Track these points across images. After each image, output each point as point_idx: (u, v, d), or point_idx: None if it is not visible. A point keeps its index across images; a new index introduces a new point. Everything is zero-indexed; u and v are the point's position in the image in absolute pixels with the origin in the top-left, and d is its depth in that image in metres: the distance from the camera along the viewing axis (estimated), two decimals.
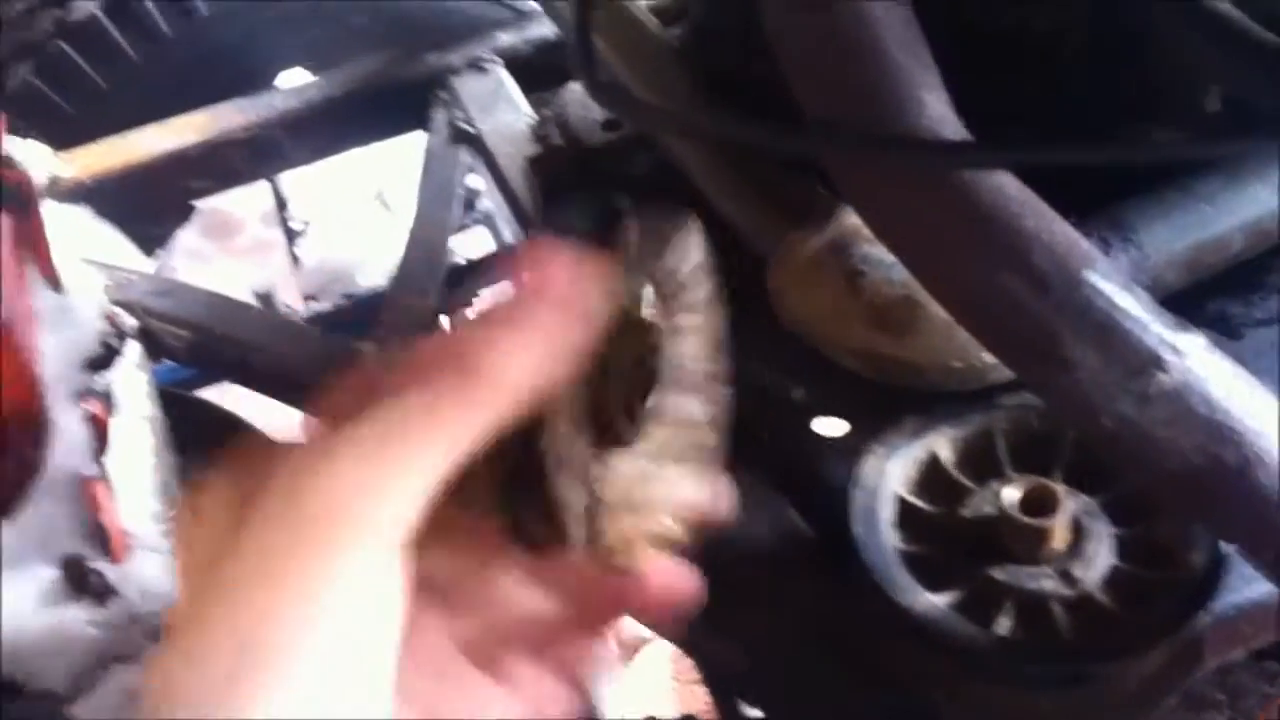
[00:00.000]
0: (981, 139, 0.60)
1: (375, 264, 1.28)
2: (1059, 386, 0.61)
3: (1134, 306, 0.60)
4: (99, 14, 1.46)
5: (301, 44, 1.49)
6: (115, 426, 0.89)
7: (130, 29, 1.47)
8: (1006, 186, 0.61)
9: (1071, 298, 0.60)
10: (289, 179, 1.45)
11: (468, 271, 1.23)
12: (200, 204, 1.52)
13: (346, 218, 1.36)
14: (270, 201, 1.71)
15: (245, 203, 1.72)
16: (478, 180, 1.36)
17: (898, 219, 0.63)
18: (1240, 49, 0.59)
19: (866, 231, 0.78)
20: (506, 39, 1.27)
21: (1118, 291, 0.60)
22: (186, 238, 1.52)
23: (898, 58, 0.61)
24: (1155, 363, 0.59)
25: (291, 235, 1.36)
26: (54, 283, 0.82)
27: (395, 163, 1.39)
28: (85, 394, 0.84)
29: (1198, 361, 0.60)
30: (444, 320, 1.28)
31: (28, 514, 0.84)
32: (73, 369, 0.83)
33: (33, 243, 0.79)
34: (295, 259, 1.33)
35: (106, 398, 0.87)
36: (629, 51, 0.93)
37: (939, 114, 0.61)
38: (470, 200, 1.44)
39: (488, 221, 1.46)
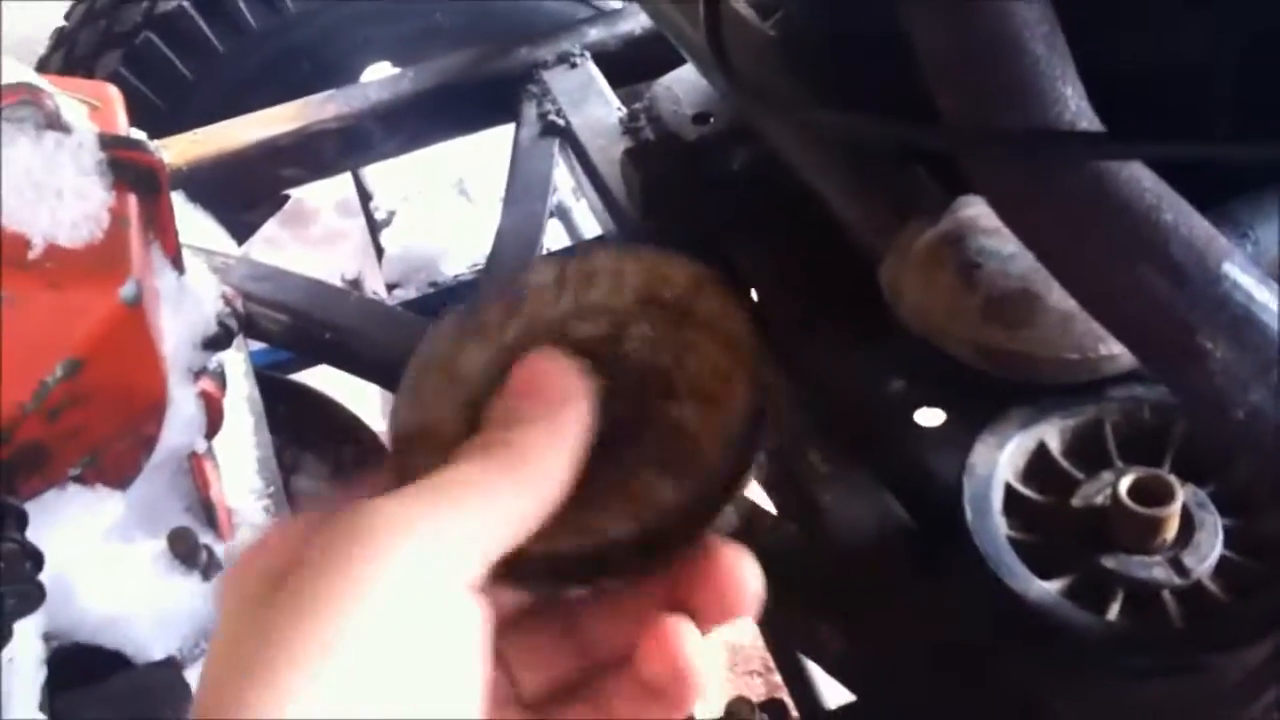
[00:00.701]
0: (1120, 132, 0.61)
1: (459, 253, 1.29)
2: (1193, 378, 0.62)
3: (1270, 300, 0.61)
4: (187, 5, 1.49)
5: (386, 40, 1.51)
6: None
7: (217, 22, 1.49)
8: (1143, 179, 0.61)
9: (1209, 290, 0.60)
10: (372, 170, 1.47)
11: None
12: None
13: (429, 208, 1.38)
14: (344, 191, 1.73)
15: (320, 192, 1.74)
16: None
17: (1036, 212, 0.63)
18: None
19: (982, 223, 0.79)
20: (595, 34, 1.28)
21: (1255, 285, 0.61)
22: (263, 225, 1.53)
23: (1038, 52, 0.61)
24: None
25: (375, 225, 1.37)
26: (177, 264, 0.83)
27: (476, 154, 1.41)
28: (200, 373, 0.86)
29: None
30: None
31: (141, 488, 0.85)
32: (191, 348, 0.85)
33: (160, 225, 0.81)
34: (379, 248, 1.35)
35: (219, 377, 0.88)
36: (731, 45, 0.94)
37: (1078, 107, 0.62)
38: (559, 213, 1.45)
39: (562, 215, 1.47)
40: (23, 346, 0.71)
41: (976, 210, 0.79)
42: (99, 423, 0.76)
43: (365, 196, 1.42)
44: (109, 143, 0.78)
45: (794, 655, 0.95)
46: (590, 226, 1.36)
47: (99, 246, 0.74)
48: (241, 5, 1.48)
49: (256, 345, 1.11)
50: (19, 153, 0.74)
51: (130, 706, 0.75)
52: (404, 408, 0.49)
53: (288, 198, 1.39)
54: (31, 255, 0.72)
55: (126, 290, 0.74)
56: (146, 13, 1.49)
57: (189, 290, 0.84)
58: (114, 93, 0.86)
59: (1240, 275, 0.61)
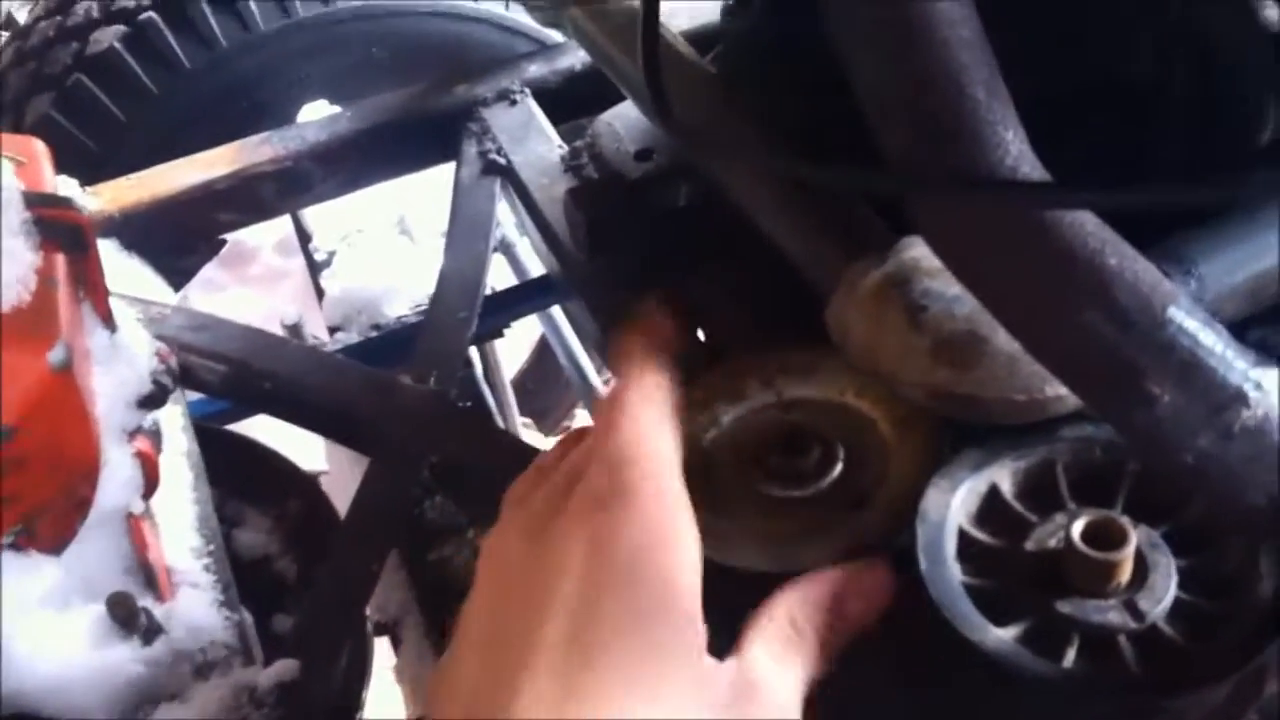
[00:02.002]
0: (1063, 180, 0.61)
1: (401, 294, 1.28)
2: (1141, 423, 0.62)
3: (1217, 343, 0.60)
4: (118, 46, 1.46)
5: (322, 75, 1.49)
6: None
7: (150, 62, 1.46)
8: (1087, 224, 0.61)
9: (1155, 335, 0.60)
10: (311, 210, 1.45)
11: (498, 302, 1.23)
12: None
13: (370, 248, 1.36)
14: (284, 230, 1.70)
15: (260, 231, 1.71)
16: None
17: (978, 258, 0.63)
18: None
19: (926, 265, 0.78)
20: (534, 69, 1.27)
21: (1201, 328, 0.61)
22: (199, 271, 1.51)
23: (979, 96, 0.61)
24: (1239, 399, 0.60)
25: (315, 266, 1.36)
26: (108, 322, 0.81)
27: (417, 193, 1.39)
28: (135, 432, 0.84)
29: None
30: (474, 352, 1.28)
31: (77, 552, 0.83)
32: (125, 407, 0.82)
33: (90, 282, 0.79)
34: (320, 290, 1.33)
35: (155, 435, 0.86)
36: (671, 83, 0.93)
37: (1019, 152, 0.61)
38: (503, 248, 1.44)
39: (506, 250, 1.46)
40: None
41: (921, 251, 0.79)
42: (32, 489, 0.74)
43: (304, 238, 1.40)
44: (35, 201, 0.76)
45: None
46: (534, 263, 1.35)
47: (26, 310, 0.72)
48: (174, 44, 1.46)
49: (194, 396, 1.08)
50: None
51: None
52: None
53: (224, 242, 1.37)
54: None
55: (55, 355, 0.72)
56: (77, 54, 1.47)
57: (122, 348, 0.82)
58: (40, 147, 0.84)
59: (1185, 320, 0.61)
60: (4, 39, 1.57)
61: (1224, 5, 0.77)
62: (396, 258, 1.35)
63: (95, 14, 1.50)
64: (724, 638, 0.74)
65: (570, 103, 1.26)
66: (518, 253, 1.45)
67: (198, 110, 1.47)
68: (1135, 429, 0.62)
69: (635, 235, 1.03)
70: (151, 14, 1.48)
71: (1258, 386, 0.60)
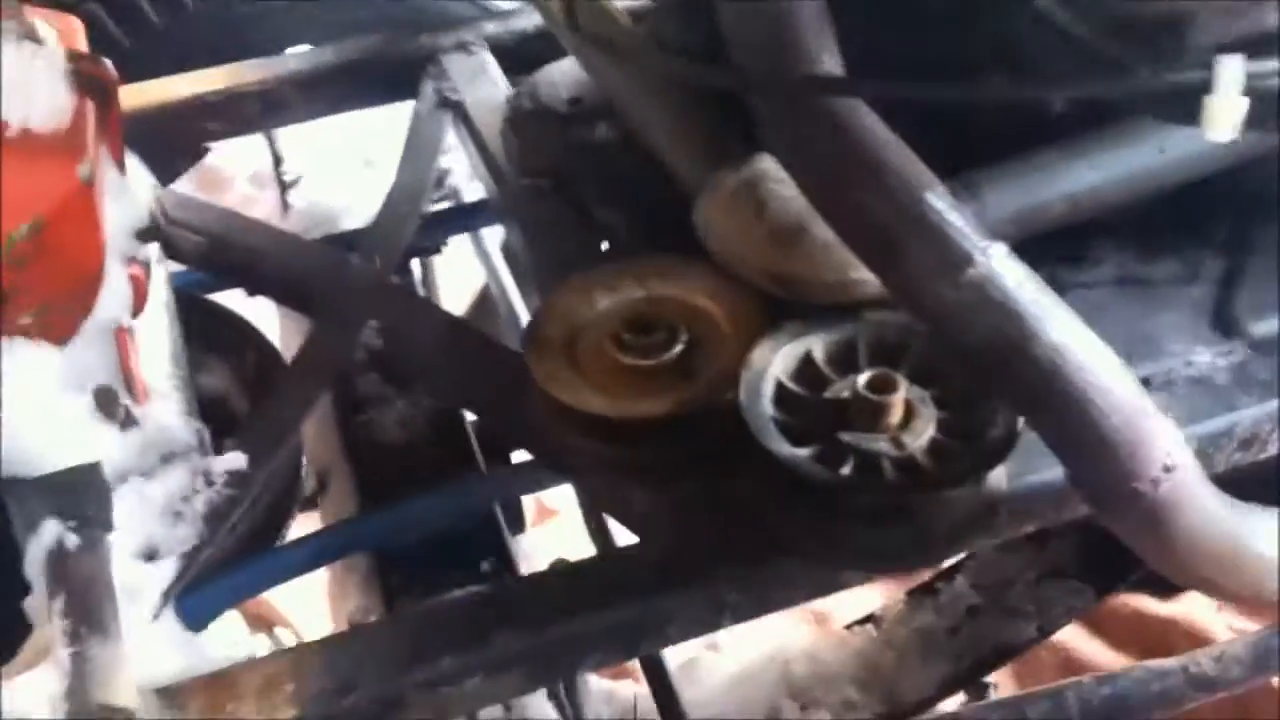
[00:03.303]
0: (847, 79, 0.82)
1: (357, 212, 1.48)
2: (898, 275, 0.83)
3: (957, 220, 0.82)
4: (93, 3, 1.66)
5: (306, 24, 1.70)
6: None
7: (122, 19, 1.66)
8: (875, 128, 0.83)
9: (911, 209, 0.81)
10: (286, 141, 1.65)
11: (440, 218, 1.43)
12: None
13: (335, 175, 1.56)
14: (257, 163, 1.90)
15: (235, 161, 1.91)
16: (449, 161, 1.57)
17: (793, 144, 0.85)
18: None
19: (772, 173, 1.00)
20: (491, 28, 1.49)
21: (946, 209, 0.82)
22: (180, 189, 1.70)
23: (804, 27, 0.83)
24: (968, 260, 0.81)
25: (284, 185, 1.55)
26: (120, 166, 1.01)
27: (384, 128, 1.59)
28: (131, 259, 1.03)
29: (999, 262, 0.81)
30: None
31: (75, 349, 1.02)
32: (126, 236, 1.02)
33: (110, 131, 0.98)
34: (286, 204, 1.52)
35: (146, 265, 1.05)
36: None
37: (831, 67, 0.83)
38: (440, 178, 1.64)
39: (453, 196, 1.66)
40: None
41: (769, 164, 1.01)
42: (51, 280, 0.94)
43: (277, 159, 1.60)
44: (73, 57, 0.96)
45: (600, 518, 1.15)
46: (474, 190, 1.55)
47: (63, 134, 0.92)
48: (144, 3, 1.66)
49: (176, 268, 1.28)
50: (3, 56, 0.92)
51: (64, 495, 0.92)
52: (537, 325, 1.01)
53: (209, 149, 1.57)
54: (8, 135, 0.90)
55: (83, 170, 0.92)
56: None
57: (128, 188, 1.02)
58: (77, 23, 1.04)
59: (936, 200, 0.82)
60: None
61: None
62: (359, 184, 1.55)
63: None
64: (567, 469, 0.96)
65: (521, 59, 1.46)
66: (462, 194, 1.65)
67: (198, 46, 1.67)
68: (894, 281, 0.84)
69: (559, 160, 1.24)
70: None
71: (984, 252, 0.81)
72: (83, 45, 1.02)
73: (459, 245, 1.65)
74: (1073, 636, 1.83)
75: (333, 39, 1.64)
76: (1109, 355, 0.83)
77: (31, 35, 0.94)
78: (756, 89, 0.84)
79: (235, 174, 1.95)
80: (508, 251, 1.70)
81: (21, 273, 0.91)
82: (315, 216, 1.48)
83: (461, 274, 1.82)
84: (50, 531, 0.91)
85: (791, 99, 0.83)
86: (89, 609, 0.86)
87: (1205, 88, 0.77)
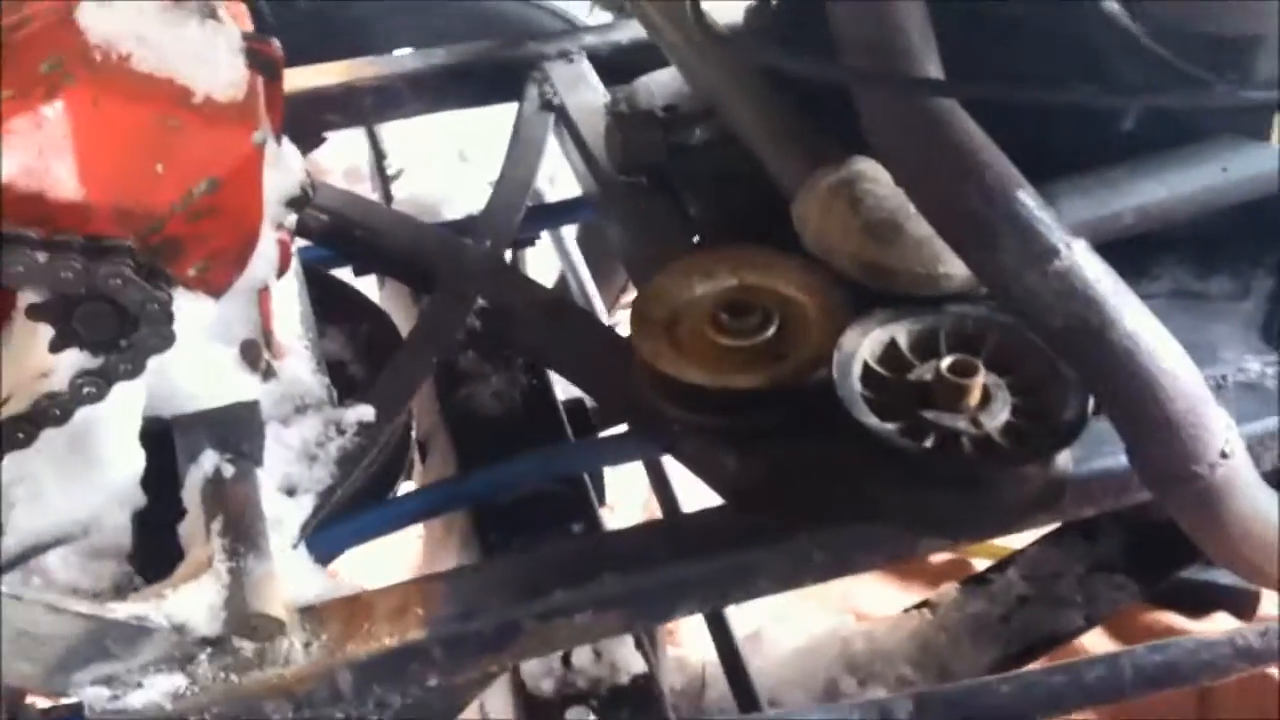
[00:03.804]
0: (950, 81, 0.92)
1: (457, 203, 1.58)
2: (991, 264, 0.93)
3: (1045, 216, 0.91)
4: None
5: (411, 30, 1.81)
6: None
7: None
8: (974, 129, 0.93)
9: (1006, 205, 0.91)
10: (385, 136, 1.75)
11: (542, 210, 1.53)
12: None
13: (434, 169, 1.67)
14: (350, 160, 2.01)
15: (332, 158, 2.02)
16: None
17: (900, 141, 0.94)
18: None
19: (869, 172, 1.10)
20: (590, 39, 1.59)
21: (1037, 206, 0.92)
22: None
23: (912, 33, 0.93)
24: (1054, 252, 0.91)
25: (387, 179, 1.66)
26: (278, 138, 1.11)
27: (476, 128, 1.70)
28: (280, 225, 1.13)
29: (1081, 256, 0.91)
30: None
31: (224, 303, 1.12)
32: (278, 203, 1.12)
33: (274, 104, 1.09)
34: (390, 197, 1.63)
35: (292, 232, 1.16)
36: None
37: (934, 70, 0.93)
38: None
39: (536, 196, 1.76)
40: (181, 162, 0.99)
41: (864, 165, 1.11)
42: (218, 235, 1.04)
43: (380, 154, 1.71)
44: (247, 36, 1.07)
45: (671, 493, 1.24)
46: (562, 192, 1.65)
47: (240, 103, 1.02)
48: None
49: (300, 243, 1.38)
50: (190, 31, 1.02)
51: (223, 429, 1.02)
52: (641, 306, 1.11)
53: (325, 139, 1.68)
54: (194, 100, 1.00)
55: (257, 136, 1.02)
56: None
57: (283, 158, 1.12)
58: (243, 7, 1.15)
59: (1029, 199, 0.92)
60: None
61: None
62: (455, 178, 1.65)
63: None
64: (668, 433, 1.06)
65: (617, 69, 1.57)
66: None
67: (307, 43, 1.77)
68: (987, 268, 0.94)
69: (658, 159, 1.34)
70: None
71: (1069, 246, 0.91)
72: (250, 27, 1.13)
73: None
74: (1105, 648, 1.91)
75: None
76: (1176, 346, 0.93)
77: (212, 14, 1.04)
78: (868, 86, 0.94)
79: (332, 169, 2.06)
80: (584, 244, 1.80)
81: (195, 226, 1.01)
82: (418, 206, 1.58)
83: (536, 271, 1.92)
84: (209, 460, 1.01)
85: (900, 97, 0.93)
86: (245, 530, 0.96)
87: (1276, 105, 0.87)
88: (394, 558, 1.50)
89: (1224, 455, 0.94)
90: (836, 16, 0.93)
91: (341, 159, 2.04)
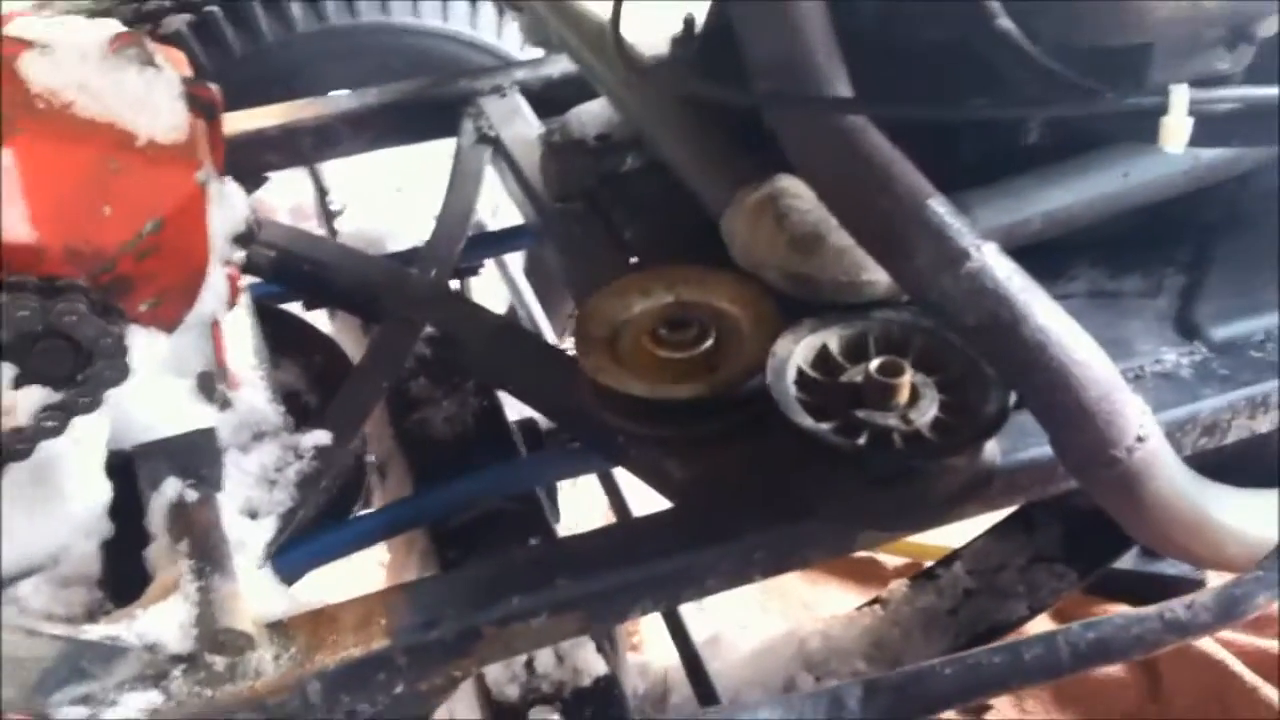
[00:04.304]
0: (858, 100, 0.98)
1: (399, 236, 1.62)
2: (908, 269, 0.98)
3: (956, 222, 0.97)
4: (184, 30, 1.82)
5: (346, 73, 1.85)
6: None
7: (208, 46, 1.81)
8: (884, 144, 0.98)
9: (918, 213, 0.97)
10: (326, 172, 1.80)
11: (482, 240, 1.58)
12: None
13: (375, 204, 1.71)
14: (296, 197, 2.04)
15: (277, 196, 2.05)
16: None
17: (812, 158, 1.00)
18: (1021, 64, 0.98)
19: (791, 189, 1.16)
20: (521, 74, 1.65)
21: (947, 213, 0.97)
22: None
23: (820, 56, 0.98)
24: (965, 255, 0.96)
25: (330, 215, 1.70)
26: (221, 176, 1.15)
27: (410, 164, 1.75)
28: (228, 260, 1.17)
29: (991, 257, 0.96)
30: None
31: (177, 338, 1.15)
32: (224, 239, 1.15)
33: (215, 143, 1.13)
34: (334, 231, 1.67)
35: (239, 266, 1.19)
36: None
37: (843, 90, 0.98)
38: None
39: (478, 226, 1.81)
40: (128, 203, 1.02)
41: (787, 182, 1.16)
42: (166, 272, 1.07)
43: (323, 191, 1.75)
44: (186, 81, 1.11)
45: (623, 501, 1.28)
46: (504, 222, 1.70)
47: (182, 145, 1.06)
48: (230, 34, 1.82)
49: (250, 280, 1.41)
50: (130, 77, 1.06)
51: (182, 457, 1.05)
52: (582, 324, 1.15)
53: (267, 179, 1.72)
54: (137, 144, 1.04)
55: (200, 175, 1.06)
56: (149, 34, 1.82)
57: (227, 195, 1.16)
58: (180, 54, 1.19)
59: (938, 207, 0.97)
60: None
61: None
62: (395, 212, 1.70)
63: (168, 3, 1.86)
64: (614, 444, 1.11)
65: (547, 102, 1.62)
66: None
67: (244, 89, 1.81)
68: (904, 275, 0.99)
69: (591, 187, 1.40)
70: (214, 7, 1.83)
71: (979, 249, 0.96)
72: (189, 72, 1.17)
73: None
74: None
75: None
76: (1086, 338, 0.98)
77: (150, 61, 1.08)
78: (781, 108, 0.99)
79: (276, 207, 2.09)
80: (530, 272, 1.85)
81: (144, 264, 1.04)
82: (363, 240, 1.62)
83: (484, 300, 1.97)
84: (172, 487, 1.04)
85: (812, 116, 0.98)
86: (210, 551, 0.99)
87: (1162, 109, 0.93)
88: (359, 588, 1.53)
89: (1140, 439, 0.99)
90: (747, 42, 0.99)
91: (286, 197, 2.07)
